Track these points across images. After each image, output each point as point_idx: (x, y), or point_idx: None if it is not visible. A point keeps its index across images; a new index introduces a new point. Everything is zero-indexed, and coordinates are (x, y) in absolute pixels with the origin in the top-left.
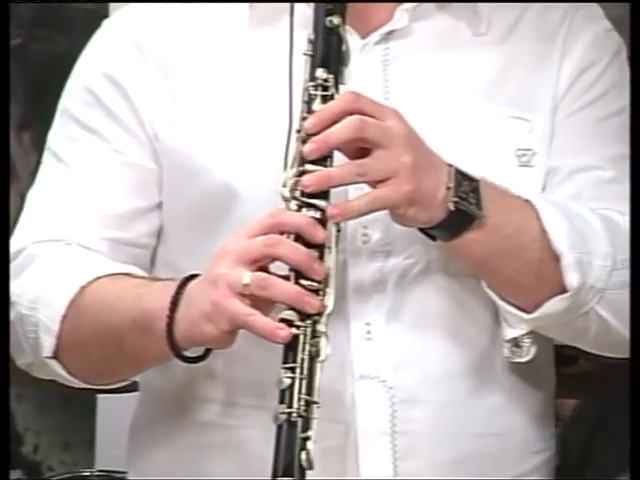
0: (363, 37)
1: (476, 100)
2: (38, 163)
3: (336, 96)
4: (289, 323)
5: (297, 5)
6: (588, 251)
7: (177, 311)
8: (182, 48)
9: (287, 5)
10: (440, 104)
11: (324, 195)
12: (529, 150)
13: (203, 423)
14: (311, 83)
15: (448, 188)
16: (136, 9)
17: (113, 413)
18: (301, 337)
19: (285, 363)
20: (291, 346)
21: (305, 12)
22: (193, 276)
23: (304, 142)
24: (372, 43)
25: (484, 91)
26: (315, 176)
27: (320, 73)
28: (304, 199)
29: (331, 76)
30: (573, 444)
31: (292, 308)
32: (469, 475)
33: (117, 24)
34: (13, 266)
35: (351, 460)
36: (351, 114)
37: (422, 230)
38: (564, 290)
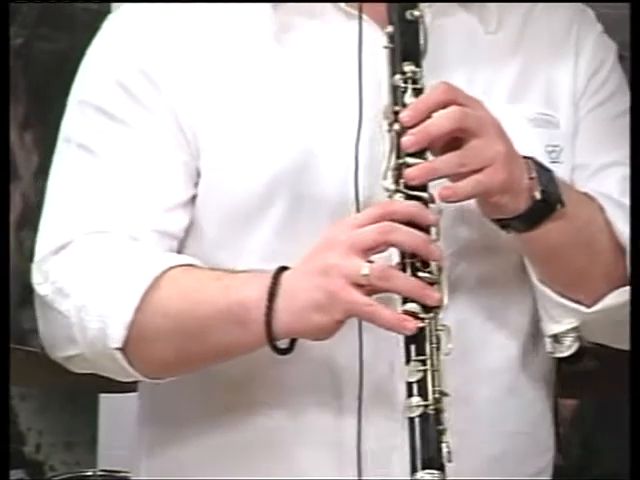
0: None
1: (504, 102)
2: (40, 163)
3: (425, 89)
4: (413, 315)
5: (326, 6)
6: None
7: (275, 302)
8: (214, 45)
9: (311, 8)
10: None
11: (423, 188)
12: (557, 146)
13: (232, 424)
14: (398, 76)
15: (531, 178)
16: (155, 5)
17: (115, 413)
18: (427, 329)
19: (409, 357)
20: (417, 339)
21: (334, 15)
22: (284, 268)
23: (399, 135)
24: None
25: (510, 92)
26: (419, 169)
27: (408, 67)
28: (408, 191)
29: (419, 69)
30: (574, 444)
31: (412, 300)
32: (502, 474)
33: (141, 19)
34: (60, 258)
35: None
36: (445, 105)
37: (500, 221)
38: (627, 283)
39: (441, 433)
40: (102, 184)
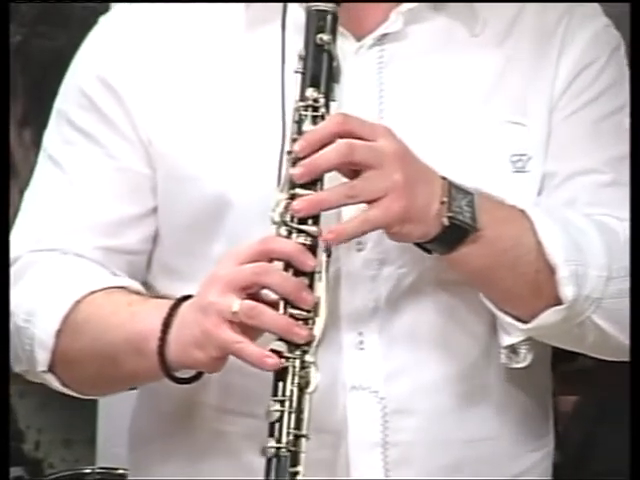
0: (358, 39)
1: (472, 105)
2: None
3: (326, 116)
4: (278, 354)
5: (293, 6)
6: (584, 262)
7: (169, 333)
8: (177, 51)
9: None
10: (435, 109)
11: (314, 219)
12: (524, 155)
13: (201, 429)
14: (301, 103)
15: (442, 202)
16: (130, 10)
17: (114, 410)
18: (290, 369)
19: (274, 395)
20: (280, 377)
21: (301, 14)
22: (186, 297)
23: (294, 164)
24: (366, 46)
25: (480, 96)
26: (305, 201)
27: (310, 93)
28: (294, 225)
29: (321, 95)
30: (573, 440)
31: (281, 338)
32: None
33: (111, 26)
34: (10, 274)
35: (341, 471)
36: (341, 136)
37: (418, 245)
38: (560, 301)
39: (294, 475)
40: (59, 200)
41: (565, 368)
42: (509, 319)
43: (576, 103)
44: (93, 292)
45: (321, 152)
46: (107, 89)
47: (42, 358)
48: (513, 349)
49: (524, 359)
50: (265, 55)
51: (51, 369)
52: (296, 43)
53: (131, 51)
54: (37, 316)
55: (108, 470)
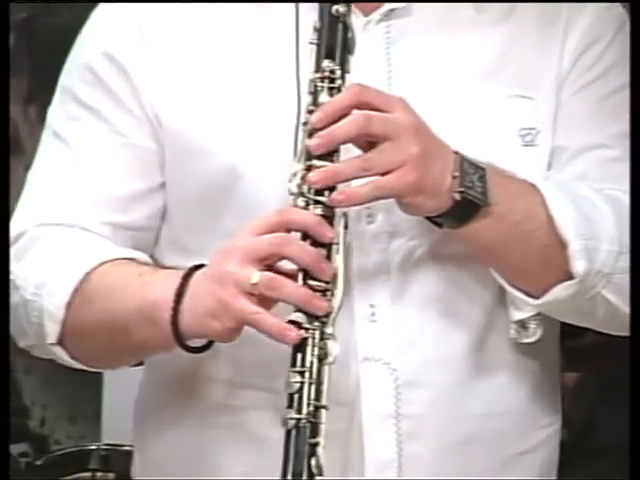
0: (366, 15)
1: (478, 79)
2: None
3: (343, 87)
4: (298, 325)
5: None
6: (595, 236)
7: (182, 302)
8: (184, 25)
9: None
10: (442, 84)
11: (331, 190)
12: (533, 129)
13: (208, 403)
14: (317, 74)
15: (454, 177)
16: None
17: (120, 386)
18: (310, 340)
19: (293, 366)
20: (299, 349)
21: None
22: (198, 267)
23: (310, 135)
24: (374, 21)
25: (487, 70)
26: (322, 172)
27: (326, 64)
28: (311, 195)
29: (337, 67)
30: (576, 417)
31: (300, 309)
32: (474, 455)
33: (117, 1)
34: (15, 249)
35: (355, 443)
36: (357, 107)
37: (429, 218)
38: (571, 276)
39: (314, 446)
40: (65, 174)
41: (570, 344)
42: (519, 294)
43: (584, 79)
44: (102, 263)
45: (338, 124)
46: (113, 64)
47: (52, 331)
48: (522, 324)
49: (533, 334)
50: (277, 27)
51: (60, 342)
52: (307, 14)
53: (137, 26)
54: (46, 288)
55: (113, 446)
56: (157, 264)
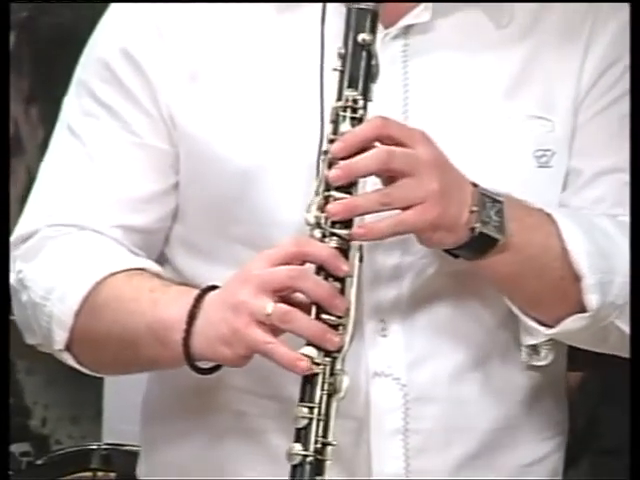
0: (386, 27)
1: (498, 99)
2: (45, 137)
3: (365, 117)
4: (309, 359)
5: None
6: (609, 270)
7: (194, 325)
8: (205, 30)
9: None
10: (460, 103)
11: (347, 223)
12: (548, 151)
13: (222, 410)
14: (339, 103)
15: (472, 211)
16: None
17: (121, 387)
18: (320, 375)
19: (302, 400)
20: (309, 383)
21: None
22: (210, 288)
23: (330, 165)
24: (391, 36)
25: (505, 90)
26: (341, 204)
27: (349, 93)
28: (328, 227)
29: (360, 96)
30: (579, 417)
31: (311, 343)
32: (481, 469)
33: (137, 2)
34: (25, 248)
35: (362, 457)
36: (379, 140)
37: (446, 250)
38: (584, 308)
39: None
40: (79, 173)
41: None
42: (533, 323)
43: (603, 100)
44: (114, 273)
45: (359, 157)
46: (129, 62)
47: (60, 337)
48: (534, 348)
49: (545, 358)
50: (300, 33)
51: (68, 348)
52: (333, 17)
53: (156, 25)
54: (56, 294)
55: (115, 446)
56: (168, 264)
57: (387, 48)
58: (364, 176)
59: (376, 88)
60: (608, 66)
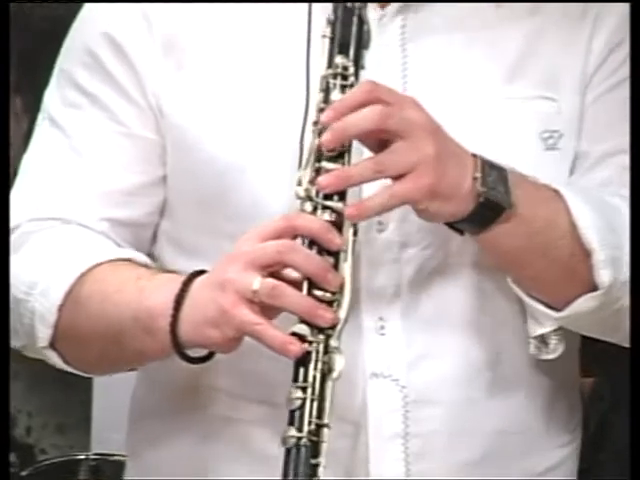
0: (382, 7)
1: (500, 79)
2: (30, 128)
3: (356, 85)
4: (301, 337)
5: None
6: (620, 245)
7: (181, 310)
8: (193, 20)
9: None
10: (461, 83)
11: (340, 195)
12: (555, 132)
13: (207, 413)
14: (329, 71)
15: (475, 178)
16: None
17: (110, 392)
18: (313, 354)
19: (295, 381)
20: (302, 363)
21: None
22: (199, 272)
23: (320, 134)
24: (390, 14)
25: (508, 70)
26: (332, 176)
27: (339, 60)
28: (320, 200)
29: (351, 63)
30: (590, 423)
31: (303, 320)
32: (488, 475)
33: None
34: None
35: (360, 462)
36: (368, 105)
37: (449, 224)
38: (595, 287)
39: (315, 467)
40: (62, 165)
41: (584, 349)
42: (540, 306)
43: (610, 81)
44: (98, 264)
45: (351, 116)
46: (114, 47)
47: (43, 334)
48: (543, 339)
49: (554, 350)
50: (288, 21)
51: (52, 345)
52: (321, 9)
53: (143, 12)
54: (38, 289)
55: (103, 456)
56: (155, 262)
57: (385, 27)
58: (357, 137)
59: (373, 69)
60: (615, 46)
